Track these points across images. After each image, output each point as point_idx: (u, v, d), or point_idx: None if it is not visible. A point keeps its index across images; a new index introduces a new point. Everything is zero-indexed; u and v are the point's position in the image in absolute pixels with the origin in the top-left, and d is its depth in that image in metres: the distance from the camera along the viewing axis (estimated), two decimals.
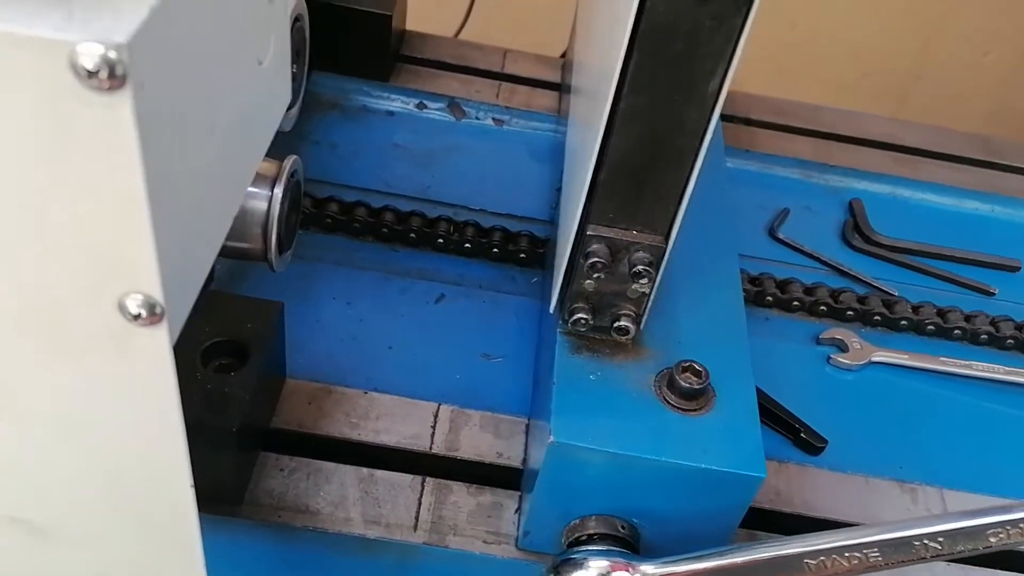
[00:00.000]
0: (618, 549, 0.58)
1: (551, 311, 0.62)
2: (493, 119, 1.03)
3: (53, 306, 0.32)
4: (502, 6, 1.66)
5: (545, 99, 1.06)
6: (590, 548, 0.58)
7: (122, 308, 0.31)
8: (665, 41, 0.45)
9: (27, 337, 0.33)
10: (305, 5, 0.82)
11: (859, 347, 0.85)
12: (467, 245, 0.87)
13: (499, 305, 0.84)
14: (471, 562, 0.65)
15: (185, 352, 0.49)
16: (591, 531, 0.59)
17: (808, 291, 0.89)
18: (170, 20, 0.28)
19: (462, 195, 0.94)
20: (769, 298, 0.88)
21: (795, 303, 0.88)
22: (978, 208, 1.03)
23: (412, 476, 0.68)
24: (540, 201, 0.95)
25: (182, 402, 0.35)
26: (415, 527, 0.65)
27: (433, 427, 0.71)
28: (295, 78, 0.76)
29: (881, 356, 0.84)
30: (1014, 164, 1.10)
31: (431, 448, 0.70)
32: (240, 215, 0.54)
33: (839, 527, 0.57)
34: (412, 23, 1.12)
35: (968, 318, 0.89)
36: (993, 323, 0.89)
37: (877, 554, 0.52)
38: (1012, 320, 0.89)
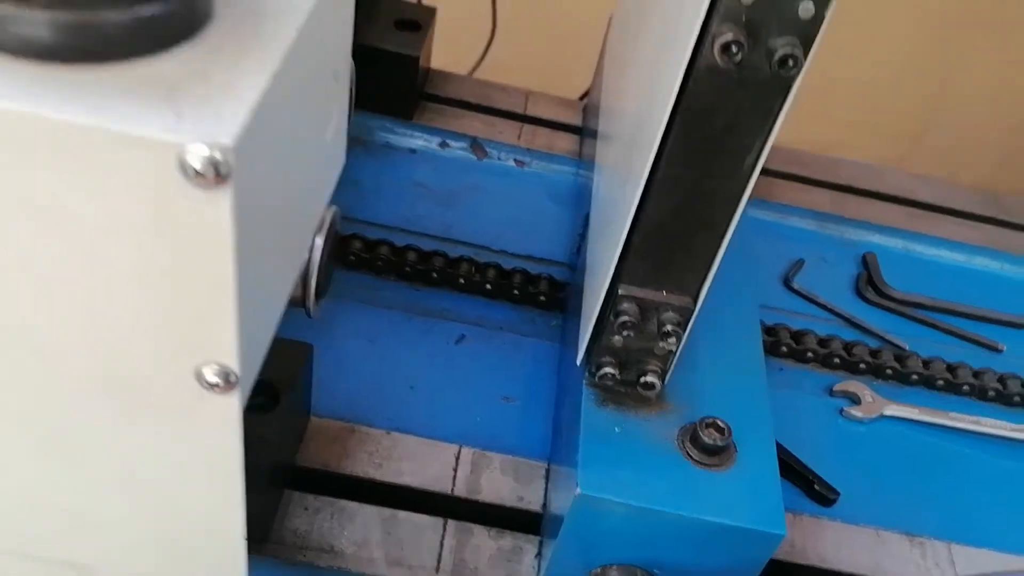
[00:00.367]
0: None
1: (578, 363, 0.63)
2: (515, 160, 1.05)
3: (135, 372, 0.33)
4: (519, 44, 1.69)
5: (566, 142, 1.08)
6: None
7: (199, 377, 0.33)
8: (705, 119, 0.47)
9: (108, 398, 0.34)
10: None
11: (871, 400, 0.86)
12: (488, 286, 0.89)
13: (518, 347, 0.86)
14: None
15: None
16: None
17: (822, 343, 0.90)
18: (265, 118, 0.30)
19: (483, 235, 0.96)
20: (784, 348, 0.89)
21: (809, 354, 0.89)
22: (988, 265, 1.05)
23: (434, 518, 0.69)
24: (559, 244, 0.97)
25: None
26: (437, 569, 0.66)
27: (455, 469, 0.72)
28: None
29: (893, 410, 0.86)
30: (1021, 222, 1.12)
31: (453, 490, 0.71)
32: None
33: None
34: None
35: (976, 374, 0.91)
36: (1001, 380, 0.90)
37: None
38: (1020, 377, 0.91)
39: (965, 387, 0.90)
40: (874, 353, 0.90)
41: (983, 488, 0.84)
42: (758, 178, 0.51)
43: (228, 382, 0.33)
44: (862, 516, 0.78)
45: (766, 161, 0.50)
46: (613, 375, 0.60)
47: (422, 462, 0.72)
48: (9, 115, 0.27)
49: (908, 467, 0.84)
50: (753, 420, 0.63)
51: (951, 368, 0.90)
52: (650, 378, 0.60)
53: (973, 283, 1.03)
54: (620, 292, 0.57)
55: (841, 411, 0.86)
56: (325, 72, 0.42)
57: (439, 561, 0.66)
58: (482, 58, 1.50)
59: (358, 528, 0.67)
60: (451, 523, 0.69)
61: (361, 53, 0.99)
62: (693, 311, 0.57)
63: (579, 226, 0.94)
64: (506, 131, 1.07)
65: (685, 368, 0.65)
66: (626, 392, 0.62)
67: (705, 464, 0.60)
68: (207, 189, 0.28)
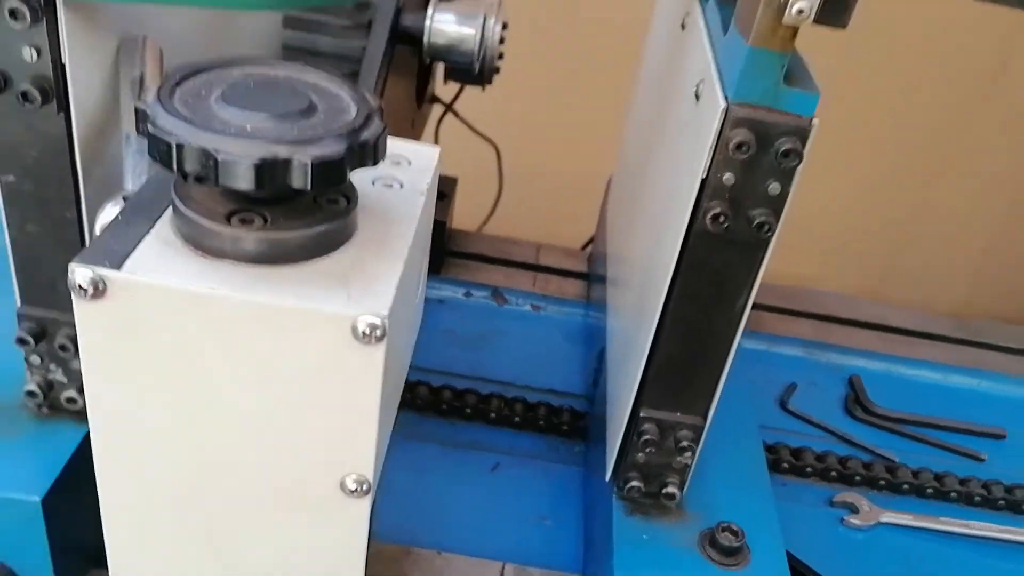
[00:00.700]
0: None
1: (607, 480, 0.73)
2: (531, 305, 1.17)
3: (295, 483, 0.43)
4: (524, 200, 1.85)
5: (574, 287, 1.21)
6: None
7: (342, 485, 0.43)
8: (702, 272, 0.59)
9: (272, 503, 0.44)
10: None
11: (868, 509, 0.95)
12: (516, 419, 0.99)
13: (547, 472, 0.95)
14: None
15: None
16: None
17: (819, 458, 1.00)
18: (400, 293, 0.42)
19: (507, 373, 1.07)
20: (785, 464, 0.99)
21: (808, 469, 0.99)
22: (964, 382, 1.16)
23: None
24: (575, 377, 1.08)
25: None
26: None
27: None
28: None
29: (889, 517, 0.95)
30: (991, 342, 1.23)
31: None
32: None
33: None
34: None
35: (962, 482, 1.00)
36: (985, 486, 1.00)
37: None
38: (1002, 483, 1.00)
39: (953, 494, 0.99)
40: (867, 466, 1.00)
41: None
42: (749, 313, 0.63)
43: (363, 489, 0.43)
44: None
45: (756, 297, 0.61)
46: (639, 488, 0.70)
47: None
48: (241, 303, 0.39)
49: (906, 569, 0.92)
50: (762, 524, 0.73)
51: (938, 477, 1.00)
52: (671, 489, 0.70)
53: (952, 399, 1.14)
54: (642, 415, 0.67)
55: (841, 520, 0.95)
56: (422, 253, 0.54)
57: None
58: (492, 212, 1.65)
59: None
60: None
61: None
62: (704, 427, 0.68)
63: (593, 360, 1.05)
64: (522, 280, 1.20)
65: (699, 480, 0.75)
66: (650, 503, 0.72)
67: (724, 564, 0.69)
68: (368, 346, 0.39)
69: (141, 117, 0.39)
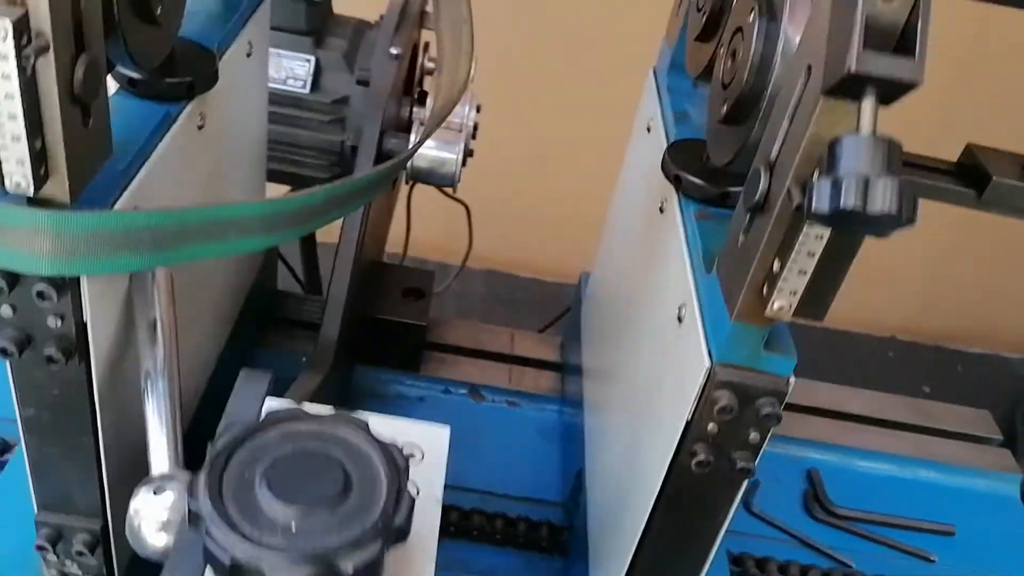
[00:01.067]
0: None
1: None
2: (507, 402, 1.22)
3: None
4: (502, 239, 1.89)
5: (548, 380, 1.25)
6: None
7: None
8: (681, 502, 0.64)
9: None
10: None
11: None
12: (497, 536, 1.04)
13: None
14: None
15: None
16: None
17: (782, 569, 1.07)
18: None
19: (486, 479, 1.11)
20: None
21: None
22: (916, 474, 1.23)
23: None
24: (552, 481, 1.13)
25: None
26: None
27: None
28: None
29: None
30: (943, 428, 1.31)
31: None
32: None
33: None
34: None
35: None
36: None
37: None
38: None
39: None
40: (826, 574, 1.07)
41: None
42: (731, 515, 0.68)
43: None
44: None
45: None
46: None
47: None
48: None
49: None
50: None
51: None
52: None
53: (904, 492, 1.21)
54: None
55: None
56: None
57: None
58: (462, 266, 1.67)
59: None
60: None
61: (378, 324, 1.17)
62: None
63: (565, 460, 1.11)
64: (497, 375, 1.24)
65: None
66: None
67: None
68: None
69: (193, 519, 0.42)
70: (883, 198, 0.42)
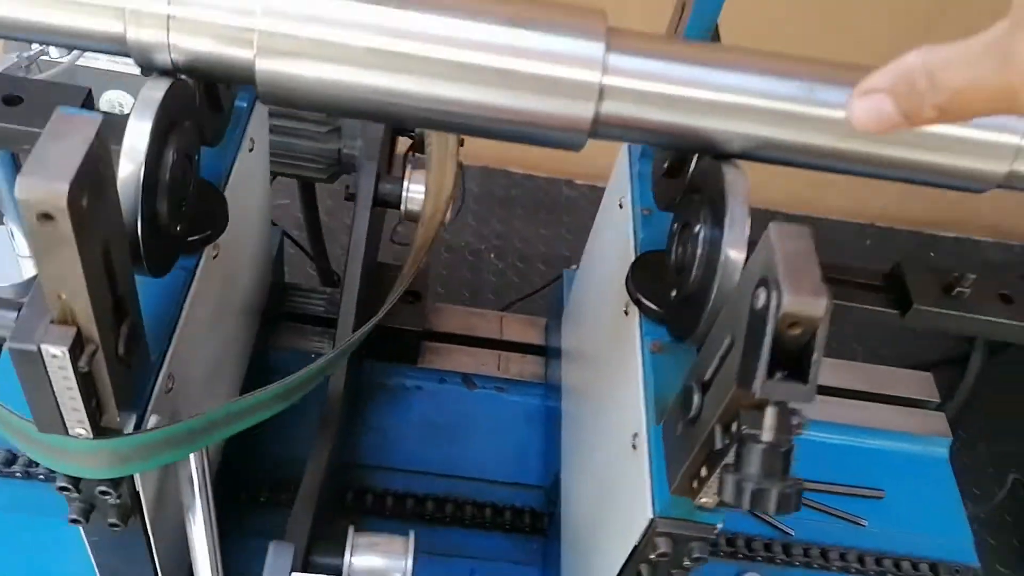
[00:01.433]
0: None
1: None
2: (496, 388, 1.35)
3: None
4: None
5: (534, 366, 1.39)
6: None
7: None
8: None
9: None
10: None
11: None
12: (487, 523, 1.21)
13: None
14: None
15: None
16: None
17: (729, 541, 1.24)
18: None
19: (477, 465, 1.27)
20: None
21: (720, 553, 1.24)
22: (851, 440, 1.38)
23: None
24: (535, 465, 1.29)
25: None
26: None
27: None
28: None
29: None
30: (883, 392, 1.45)
31: None
32: None
33: None
34: None
35: (843, 555, 1.26)
36: (860, 559, 1.26)
37: None
38: (874, 554, 1.26)
39: (835, 566, 1.25)
40: (767, 545, 1.25)
41: None
42: None
43: None
44: None
45: None
46: None
47: None
48: None
49: None
50: None
51: (823, 553, 1.26)
52: None
53: (840, 459, 1.36)
54: None
55: None
56: None
57: None
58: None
59: None
60: None
61: (381, 328, 1.28)
62: None
63: (548, 443, 1.26)
64: (488, 362, 1.37)
65: None
66: None
67: None
68: None
69: None
70: (774, 504, 0.54)
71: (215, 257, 0.84)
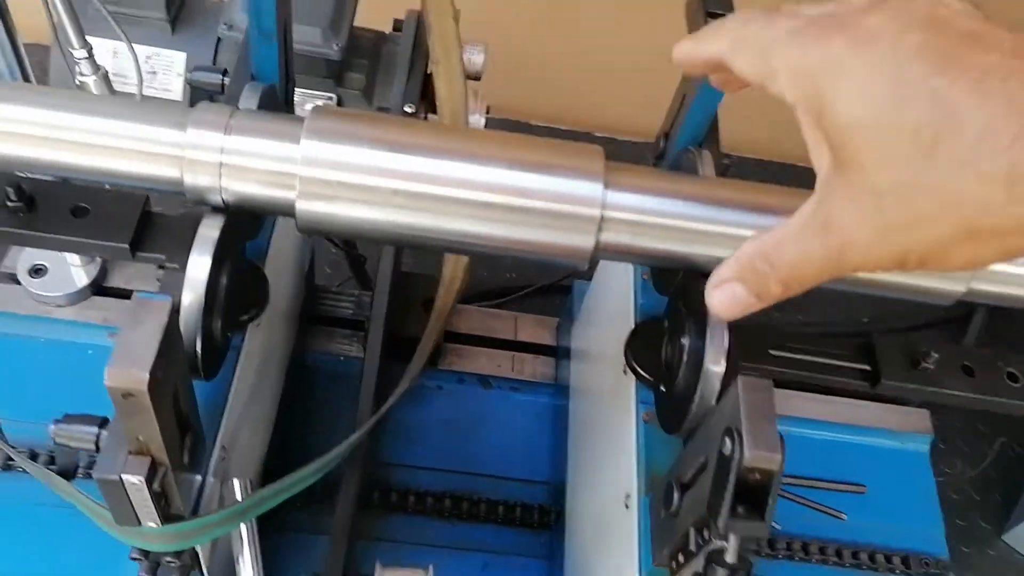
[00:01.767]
0: None
1: None
2: (511, 388, 1.47)
3: None
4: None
5: (546, 367, 1.49)
6: None
7: None
8: None
9: None
10: None
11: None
12: (498, 519, 1.34)
13: (528, 569, 1.32)
14: None
15: None
16: None
17: None
18: None
19: (492, 462, 1.40)
20: None
21: None
22: (831, 436, 1.48)
23: None
24: (545, 461, 1.41)
25: None
26: None
27: None
28: None
29: None
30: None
31: None
32: None
33: None
34: None
35: (822, 548, 1.38)
36: (838, 552, 1.38)
37: None
38: (851, 547, 1.38)
39: (816, 558, 1.38)
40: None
41: None
42: None
43: None
44: None
45: None
46: None
47: None
48: None
49: None
50: None
51: (804, 546, 1.38)
52: None
53: (823, 455, 1.47)
54: None
55: None
56: None
57: None
58: None
59: None
60: None
61: (406, 339, 1.39)
62: None
63: (555, 439, 1.38)
64: (503, 363, 1.48)
65: None
66: None
67: None
68: None
69: None
70: None
71: (258, 325, 0.94)
